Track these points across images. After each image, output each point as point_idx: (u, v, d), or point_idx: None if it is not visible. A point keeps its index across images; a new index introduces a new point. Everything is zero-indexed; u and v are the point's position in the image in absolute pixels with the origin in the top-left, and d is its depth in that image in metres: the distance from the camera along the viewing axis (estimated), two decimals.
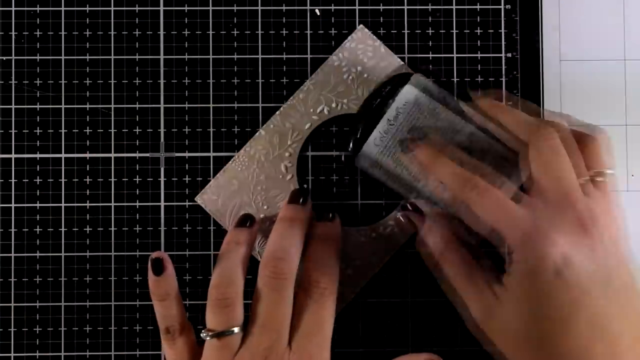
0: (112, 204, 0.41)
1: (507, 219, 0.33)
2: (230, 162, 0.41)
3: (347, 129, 0.41)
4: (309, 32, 0.41)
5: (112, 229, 0.41)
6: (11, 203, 0.41)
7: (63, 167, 0.41)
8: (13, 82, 0.41)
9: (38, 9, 0.41)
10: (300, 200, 0.39)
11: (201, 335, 0.35)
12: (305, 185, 0.41)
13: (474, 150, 0.38)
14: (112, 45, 0.41)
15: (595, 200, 0.33)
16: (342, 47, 0.41)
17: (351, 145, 0.39)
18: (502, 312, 0.33)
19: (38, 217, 0.41)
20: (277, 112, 0.41)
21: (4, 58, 0.41)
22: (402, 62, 0.41)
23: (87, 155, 0.41)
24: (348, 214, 0.41)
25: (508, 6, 0.42)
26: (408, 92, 0.38)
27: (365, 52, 0.41)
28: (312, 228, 0.38)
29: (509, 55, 0.42)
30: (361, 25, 0.41)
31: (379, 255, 0.40)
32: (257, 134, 0.41)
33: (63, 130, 0.41)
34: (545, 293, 0.32)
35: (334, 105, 0.41)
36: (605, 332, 0.32)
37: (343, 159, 0.40)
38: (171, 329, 0.36)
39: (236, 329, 0.35)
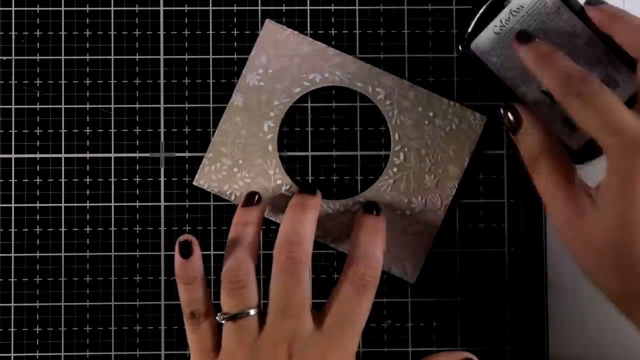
0: (112, 204, 0.41)
1: (609, 124, 0.32)
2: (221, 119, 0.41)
3: (469, 8, 0.40)
4: (308, 32, 0.41)
5: (112, 229, 0.41)
6: (11, 203, 0.41)
7: (63, 167, 0.41)
8: (13, 82, 0.41)
9: (38, 9, 0.41)
10: (311, 191, 0.39)
11: (216, 319, 0.36)
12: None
13: (587, 61, 0.37)
14: (112, 45, 0.41)
15: None
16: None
17: (472, 24, 0.39)
18: (591, 219, 0.33)
19: (38, 217, 0.41)
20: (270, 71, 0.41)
21: (4, 58, 0.41)
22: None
23: (87, 155, 0.41)
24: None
25: None
26: None
27: None
28: (359, 219, 0.39)
29: None
30: None
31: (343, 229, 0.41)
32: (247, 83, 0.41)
33: (63, 130, 0.41)
34: (638, 202, 0.31)
35: (327, 75, 0.41)
36: None
37: (459, 47, 0.39)
38: (196, 313, 0.36)
39: (252, 311, 0.35)
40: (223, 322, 0.36)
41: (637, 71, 0.35)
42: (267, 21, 0.41)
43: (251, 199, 0.39)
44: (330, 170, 0.41)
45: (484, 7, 0.39)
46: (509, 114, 0.37)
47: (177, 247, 0.37)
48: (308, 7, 0.41)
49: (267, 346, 0.35)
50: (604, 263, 0.33)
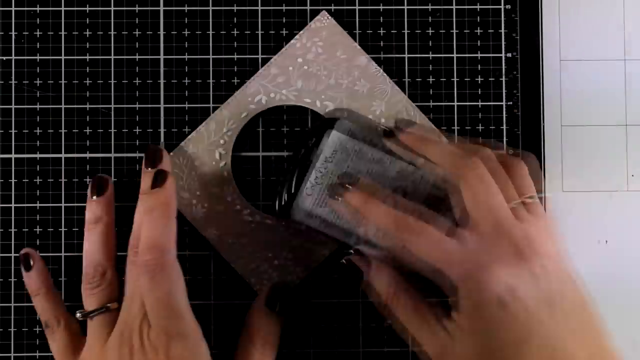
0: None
1: (445, 257, 0.33)
2: (172, 152, 0.40)
3: (278, 182, 0.40)
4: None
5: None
6: (11, 203, 0.41)
7: (63, 167, 0.41)
8: (13, 82, 0.41)
9: (38, 9, 0.41)
10: (155, 163, 0.38)
11: (76, 315, 0.38)
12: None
13: (406, 188, 0.38)
14: (112, 45, 0.41)
15: (529, 224, 0.33)
16: (302, 33, 0.41)
17: (284, 198, 0.39)
18: (455, 349, 0.33)
19: (38, 217, 0.41)
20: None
21: (4, 58, 0.41)
22: (359, 47, 0.41)
23: (87, 155, 0.41)
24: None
25: (508, 6, 0.42)
26: (333, 138, 0.38)
27: (316, 43, 0.41)
28: (142, 200, 0.38)
29: (509, 55, 0.42)
30: (323, 12, 0.41)
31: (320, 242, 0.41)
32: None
33: (63, 130, 0.41)
34: (493, 326, 0.32)
35: (272, 95, 0.41)
36: (559, 354, 0.31)
37: (277, 211, 0.39)
38: (49, 323, 0.38)
39: (110, 305, 0.37)
40: (81, 318, 0.38)
41: (462, 190, 0.34)
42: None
43: (99, 189, 0.39)
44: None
45: (292, 171, 0.38)
46: (346, 262, 0.38)
47: (20, 260, 0.39)
48: (308, 7, 0.41)
49: (115, 340, 0.36)
50: None
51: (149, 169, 0.39)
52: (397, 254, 0.36)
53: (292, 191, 0.38)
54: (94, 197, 0.39)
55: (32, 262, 0.39)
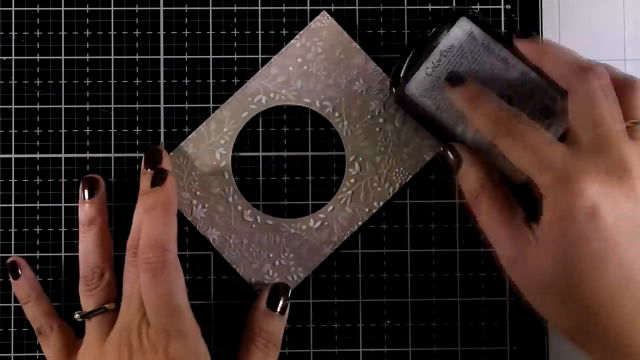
0: (112, 204, 0.41)
1: (540, 162, 0.33)
2: (172, 152, 0.41)
3: (399, 56, 0.39)
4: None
5: (112, 228, 0.41)
6: (11, 203, 0.41)
7: (63, 167, 0.41)
8: (13, 82, 0.41)
9: (38, 9, 0.41)
10: (155, 163, 0.39)
11: (74, 317, 0.38)
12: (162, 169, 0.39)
13: (521, 94, 0.38)
14: (112, 45, 0.41)
15: (630, 149, 0.33)
16: (301, 33, 0.41)
17: (404, 67, 0.38)
18: (533, 256, 0.33)
19: (38, 217, 0.41)
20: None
21: (4, 58, 0.41)
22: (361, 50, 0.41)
23: (87, 155, 0.41)
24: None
25: (508, 6, 0.42)
26: (463, 27, 0.38)
27: (315, 43, 0.41)
28: (142, 200, 0.38)
29: None
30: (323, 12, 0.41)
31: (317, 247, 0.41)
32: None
33: (63, 130, 0.41)
34: (576, 237, 0.32)
35: (272, 95, 0.41)
36: (633, 283, 0.31)
37: (393, 90, 0.39)
38: (41, 329, 0.39)
39: (108, 306, 0.38)
40: (79, 319, 0.38)
41: (568, 102, 0.35)
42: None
43: (90, 190, 0.39)
44: (330, 170, 0.41)
45: (414, 50, 0.39)
46: (449, 153, 0.38)
47: (8, 269, 0.40)
48: (308, 7, 0.41)
49: (113, 339, 0.36)
50: (548, 299, 0.33)
51: (149, 169, 0.39)
52: (495, 156, 0.36)
53: (402, 75, 0.38)
54: (86, 199, 0.39)
55: (19, 271, 0.40)
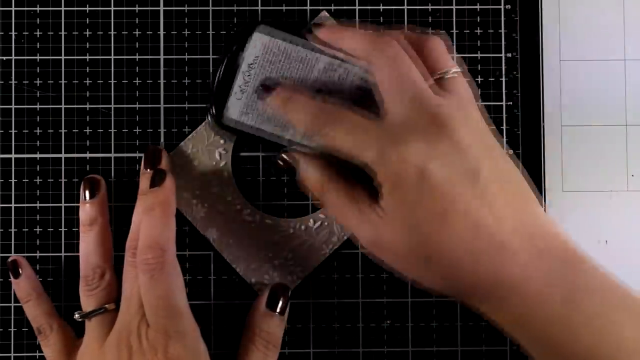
0: (112, 204, 0.41)
1: (361, 142, 0.33)
2: (172, 152, 0.41)
3: (208, 90, 0.40)
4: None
5: (112, 229, 0.41)
6: (11, 203, 0.41)
7: (63, 167, 0.41)
8: (13, 82, 0.41)
9: (38, 9, 0.41)
10: (155, 164, 0.39)
11: (74, 317, 0.38)
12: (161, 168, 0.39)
13: (333, 85, 0.38)
14: (112, 45, 0.41)
15: (445, 100, 0.33)
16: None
17: (213, 106, 0.38)
18: (386, 230, 0.33)
19: (38, 217, 0.41)
20: None
21: (4, 58, 0.41)
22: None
23: (87, 155, 0.41)
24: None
25: (508, 6, 0.42)
26: (256, 40, 0.38)
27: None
28: (141, 200, 0.38)
29: (509, 55, 0.42)
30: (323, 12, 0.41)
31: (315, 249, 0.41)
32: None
33: (63, 130, 0.41)
34: (415, 199, 0.32)
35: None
36: (482, 227, 0.32)
37: (209, 121, 0.39)
38: (41, 329, 0.39)
39: (108, 306, 0.38)
40: (79, 320, 0.38)
41: (374, 76, 0.35)
42: None
43: (91, 190, 0.39)
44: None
45: (220, 75, 0.38)
46: (280, 162, 0.38)
47: (8, 268, 0.40)
48: (308, 7, 0.41)
49: (113, 340, 0.36)
50: (415, 266, 0.33)
51: (148, 169, 0.39)
52: (323, 149, 0.35)
53: (220, 99, 0.38)
54: (87, 199, 0.39)
55: (20, 270, 0.40)
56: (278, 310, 0.39)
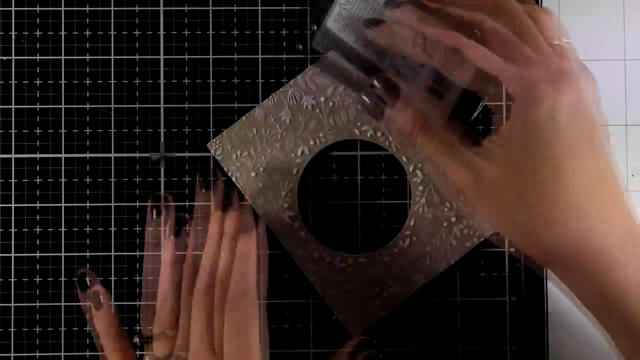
0: (112, 204, 0.41)
1: (502, 67, 0.33)
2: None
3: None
4: (309, 32, 0.41)
5: (112, 229, 0.41)
6: (11, 203, 0.41)
7: (63, 167, 0.41)
8: (13, 82, 0.41)
9: (38, 9, 0.41)
10: (225, 207, 0.39)
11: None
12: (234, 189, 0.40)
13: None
14: (112, 45, 0.41)
15: (565, 61, 0.33)
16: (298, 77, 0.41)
17: (321, 9, 0.38)
18: (491, 171, 0.33)
19: (38, 217, 0.41)
20: (261, 168, 0.41)
21: (4, 58, 0.41)
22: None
23: (87, 155, 0.41)
24: (348, 213, 0.41)
25: None
26: None
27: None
28: (225, 242, 0.39)
29: None
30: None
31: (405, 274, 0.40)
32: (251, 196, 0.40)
33: (63, 130, 0.41)
34: (536, 143, 0.32)
35: (312, 143, 0.41)
36: (593, 186, 0.32)
37: (314, 27, 0.39)
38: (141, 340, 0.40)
39: (168, 331, 0.39)
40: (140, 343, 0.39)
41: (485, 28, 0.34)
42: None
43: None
44: (330, 170, 0.41)
45: None
46: (367, 98, 0.37)
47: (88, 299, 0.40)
48: (308, 7, 0.41)
49: None
50: (512, 215, 0.33)
51: (220, 210, 0.39)
52: (444, 66, 0.35)
53: (320, 15, 0.38)
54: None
55: (102, 301, 0.40)
56: None
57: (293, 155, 0.41)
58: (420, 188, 0.41)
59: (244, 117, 0.41)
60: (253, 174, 0.40)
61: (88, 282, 0.40)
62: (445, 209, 0.40)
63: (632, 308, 0.32)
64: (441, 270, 0.40)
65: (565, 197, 0.32)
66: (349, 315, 0.40)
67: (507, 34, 0.33)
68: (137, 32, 0.41)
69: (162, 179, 0.41)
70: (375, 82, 0.36)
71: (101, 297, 0.40)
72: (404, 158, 0.41)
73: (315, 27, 0.38)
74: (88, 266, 0.41)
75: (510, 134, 0.33)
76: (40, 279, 0.41)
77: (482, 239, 0.40)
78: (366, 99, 0.37)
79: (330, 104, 0.40)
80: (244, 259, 0.37)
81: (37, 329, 0.41)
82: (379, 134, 0.40)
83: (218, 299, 0.37)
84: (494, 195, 0.33)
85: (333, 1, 0.38)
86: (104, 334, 0.40)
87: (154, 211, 0.40)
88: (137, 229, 0.41)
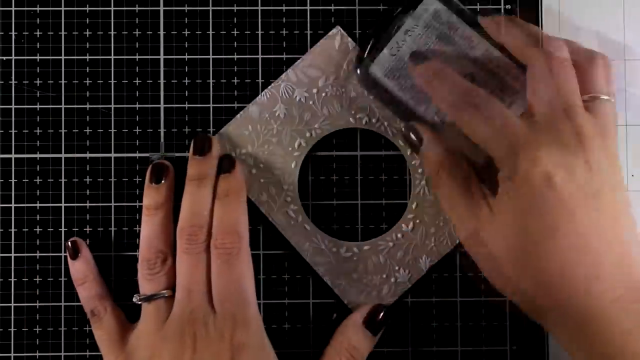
0: (112, 204, 0.41)
1: (496, 133, 0.33)
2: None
3: (364, 36, 0.40)
4: (309, 32, 0.41)
5: (112, 229, 0.41)
6: (11, 203, 0.41)
7: (63, 167, 0.41)
8: (13, 82, 0.41)
9: (38, 9, 0.41)
10: (204, 150, 0.39)
11: (133, 300, 0.38)
12: (208, 133, 0.40)
13: (484, 73, 0.38)
14: (112, 45, 0.41)
15: (585, 121, 0.33)
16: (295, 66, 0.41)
17: (369, 47, 0.39)
18: (489, 228, 0.34)
19: (38, 217, 0.41)
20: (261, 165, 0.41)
21: (4, 58, 0.41)
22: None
23: (87, 155, 0.41)
24: (348, 213, 0.41)
25: (508, 6, 0.42)
26: (428, 5, 0.38)
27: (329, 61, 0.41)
28: (190, 186, 0.39)
29: None
30: (337, 28, 0.41)
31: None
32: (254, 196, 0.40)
33: (63, 130, 0.41)
34: (530, 207, 0.32)
35: (308, 135, 0.41)
36: (588, 251, 0.32)
37: (357, 71, 0.39)
38: (95, 311, 0.39)
39: (166, 292, 0.37)
40: (139, 302, 0.38)
41: (527, 75, 0.35)
42: (337, 29, 0.41)
43: (159, 174, 0.39)
44: (330, 170, 0.41)
45: (379, 30, 0.39)
46: (411, 134, 0.38)
47: (67, 249, 0.39)
48: (308, 7, 0.41)
49: (174, 327, 0.36)
50: (505, 270, 0.34)
51: (197, 155, 0.39)
52: (453, 135, 0.36)
53: (366, 55, 0.39)
54: (154, 184, 0.39)
55: (79, 251, 0.39)
56: (373, 329, 0.39)
57: (290, 148, 0.41)
58: (420, 171, 0.41)
59: (238, 115, 0.41)
60: (253, 171, 0.41)
61: (77, 249, 0.40)
62: (390, 269, 0.41)
63: None
64: (446, 251, 0.40)
65: (554, 268, 0.32)
66: (359, 303, 0.40)
67: (531, 89, 0.35)
68: (137, 32, 0.41)
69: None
70: (404, 130, 0.38)
71: (79, 248, 0.39)
72: (400, 142, 0.41)
73: (358, 72, 0.39)
74: None
75: (507, 195, 0.33)
76: (40, 279, 0.41)
77: None
78: (404, 134, 0.39)
79: (323, 94, 0.40)
80: (227, 196, 0.37)
81: (37, 329, 0.41)
82: (373, 120, 0.40)
83: (188, 242, 0.37)
84: (490, 248, 0.34)
85: (382, 46, 0.39)
86: (83, 281, 0.39)
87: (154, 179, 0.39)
88: (137, 229, 0.41)
